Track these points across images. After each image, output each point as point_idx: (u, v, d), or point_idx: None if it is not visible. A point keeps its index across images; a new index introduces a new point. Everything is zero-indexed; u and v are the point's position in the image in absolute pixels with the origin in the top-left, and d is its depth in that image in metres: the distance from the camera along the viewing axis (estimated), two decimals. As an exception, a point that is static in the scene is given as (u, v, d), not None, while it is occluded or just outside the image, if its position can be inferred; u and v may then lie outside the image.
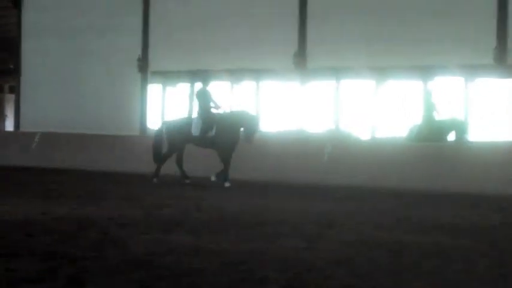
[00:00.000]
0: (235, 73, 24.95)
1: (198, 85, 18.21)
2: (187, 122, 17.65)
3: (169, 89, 28.41)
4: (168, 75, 26.94)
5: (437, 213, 11.97)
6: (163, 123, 18.42)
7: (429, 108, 19.41)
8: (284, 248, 8.06)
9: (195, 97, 17.92)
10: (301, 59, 21.50)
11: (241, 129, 16.85)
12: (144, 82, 25.12)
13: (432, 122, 19.26)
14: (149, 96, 25.59)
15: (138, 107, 25.11)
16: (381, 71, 22.19)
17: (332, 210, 12.07)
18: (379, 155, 17.86)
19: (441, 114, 19.43)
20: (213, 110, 17.36)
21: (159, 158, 17.69)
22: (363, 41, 20.68)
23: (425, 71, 21.62)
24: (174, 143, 17.50)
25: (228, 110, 18.03)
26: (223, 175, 16.94)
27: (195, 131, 17.28)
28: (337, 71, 22.61)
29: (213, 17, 23.29)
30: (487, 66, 19.88)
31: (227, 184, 16.73)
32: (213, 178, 17.07)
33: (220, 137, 16.98)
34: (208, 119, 17.19)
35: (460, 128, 18.96)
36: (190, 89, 26.83)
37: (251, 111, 18.11)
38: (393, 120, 22.56)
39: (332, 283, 6.34)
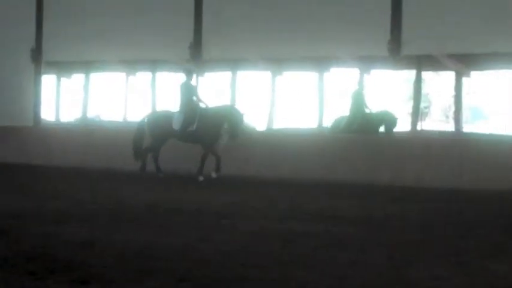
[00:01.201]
0: (130, 64, 24.64)
1: (182, 78, 17.55)
2: (169, 116, 17.15)
3: (64, 80, 27.91)
4: (63, 66, 26.41)
5: (337, 204, 12.05)
6: (146, 115, 17.81)
7: (358, 100, 19.52)
8: (179, 239, 7.98)
9: (178, 90, 17.31)
10: (196, 50, 21.35)
11: (225, 125, 16.51)
12: (38, 73, 24.48)
13: (362, 115, 19.33)
14: (43, 87, 24.97)
15: (31, 98, 24.46)
16: (277, 62, 22.29)
17: (235, 201, 12.05)
18: (301, 146, 17.81)
19: (370, 106, 19.57)
20: (196, 104, 16.85)
21: (139, 152, 17.21)
22: (260, 32, 20.67)
23: (321, 62, 21.84)
24: (155, 136, 17.12)
25: (211, 105, 17.42)
26: (198, 169, 16.59)
27: (176, 125, 16.85)
28: (233, 62, 22.60)
29: (108, 7, 22.86)
30: (381, 58, 20.20)
31: (201, 178, 16.37)
32: (213, 175, 16.69)
33: (202, 132, 16.58)
34: (190, 114, 16.71)
35: (390, 121, 19.05)
36: (85, 80, 26.39)
37: (236, 106, 17.57)
38: (290, 111, 22.72)
39: (225, 274, 6.30)
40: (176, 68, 23.30)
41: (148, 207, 10.88)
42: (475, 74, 22.33)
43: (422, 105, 22.67)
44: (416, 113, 21.24)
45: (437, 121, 21.94)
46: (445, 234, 8.85)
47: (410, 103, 22.73)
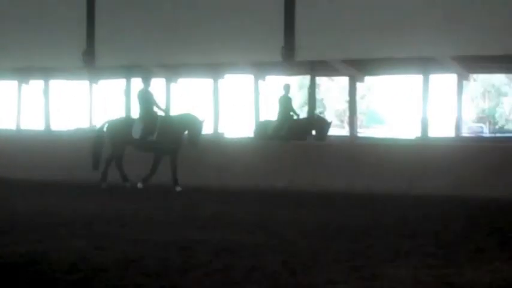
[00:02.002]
0: (22, 72, 24.01)
1: (138, 85, 16.82)
2: (129, 123, 16.38)
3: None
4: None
5: (234, 210, 12.00)
6: (105, 122, 16.91)
7: (286, 105, 19.33)
8: (73, 248, 7.78)
9: (136, 98, 16.51)
10: (89, 57, 20.98)
11: (185, 133, 15.89)
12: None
13: (291, 120, 19.19)
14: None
15: None
16: (173, 68, 22.10)
17: (132, 209, 11.91)
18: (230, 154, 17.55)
19: (297, 112, 19.51)
20: (156, 112, 16.15)
21: (97, 161, 16.31)
22: (154, 38, 20.49)
23: (215, 68, 21.76)
24: (116, 144, 16.27)
25: (170, 113, 16.85)
26: (174, 179, 15.78)
27: (136, 133, 16.04)
28: (127, 69, 22.27)
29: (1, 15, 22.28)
30: (275, 63, 20.29)
31: (178, 188, 15.62)
32: (139, 185, 15.88)
33: (162, 142, 15.84)
34: (150, 122, 15.96)
35: (322, 125, 18.92)
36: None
37: (195, 113, 16.54)
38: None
39: (122, 283, 6.15)
40: (69, 75, 22.85)
41: (49, 216, 10.58)
42: (369, 79, 22.68)
43: (317, 110, 22.87)
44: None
45: (332, 126, 22.12)
46: (339, 239, 8.88)
47: (305, 108, 22.92)
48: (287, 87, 19.52)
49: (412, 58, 18.81)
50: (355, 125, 21.05)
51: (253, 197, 14.47)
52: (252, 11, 19.57)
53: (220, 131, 21.64)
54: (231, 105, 21.66)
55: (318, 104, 22.94)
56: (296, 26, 19.31)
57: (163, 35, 20.36)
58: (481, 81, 25.52)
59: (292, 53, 19.27)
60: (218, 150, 17.47)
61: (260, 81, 21.55)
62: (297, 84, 32.23)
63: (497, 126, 27.17)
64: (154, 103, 16.28)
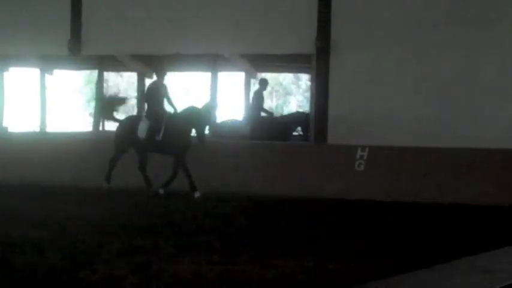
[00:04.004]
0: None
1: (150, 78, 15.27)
2: (134, 122, 14.87)
3: None
4: None
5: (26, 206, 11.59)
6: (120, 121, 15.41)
7: (259, 101, 18.66)
8: None
9: (146, 92, 15.13)
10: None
11: (192, 130, 14.54)
12: None
13: (270, 118, 18.78)
14: None
15: None
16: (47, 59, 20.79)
17: None
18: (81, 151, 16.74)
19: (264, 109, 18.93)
20: (163, 109, 14.69)
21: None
22: (27, 28, 19.25)
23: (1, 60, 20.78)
24: (117, 145, 14.88)
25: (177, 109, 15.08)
26: (190, 186, 14.39)
27: (142, 133, 14.58)
28: (3, 59, 20.71)
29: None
30: (63, 57, 19.75)
31: (197, 194, 14.25)
32: (161, 191, 14.54)
33: (169, 142, 14.42)
34: (156, 120, 14.52)
35: (307, 122, 18.11)
36: None
37: (200, 106, 15.00)
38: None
39: None
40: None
41: None
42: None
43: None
44: (98, 113, 20.96)
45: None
46: (124, 235, 8.72)
47: (92, 104, 22.51)
48: (263, 82, 19.07)
49: (201, 55, 18.92)
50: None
51: (42, 193, 13.99)
52: (40, 2, 18.95)
53: (4, 125, 20.73)
54: (16, 99, 20.74)
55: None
56: (83, 19, 18.91)
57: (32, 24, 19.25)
58: (268, 80, 26.15)
59: (79, 46, 18.84)
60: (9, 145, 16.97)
61: (47, 75, 20.86)
62: (84, 79, 31.71)
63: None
64: (167, 99, 14.89)
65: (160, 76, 15.09)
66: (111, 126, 18.04)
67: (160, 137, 14.53)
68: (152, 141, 14.59)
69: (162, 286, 5.90)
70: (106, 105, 17.02)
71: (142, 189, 14.61)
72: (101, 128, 20.31)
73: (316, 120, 17.36)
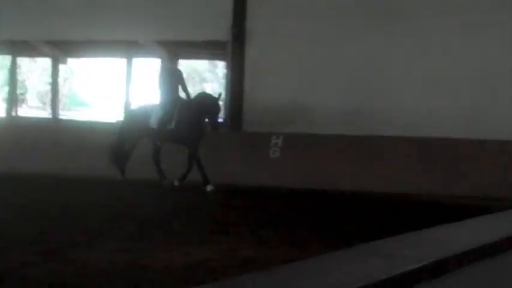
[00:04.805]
0: None
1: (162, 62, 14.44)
2: (147, 112, 14.07)
3: None
4: None
5: None
6: (127, 112, 14.83)
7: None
8: None
9: (158, 78, 14.22)
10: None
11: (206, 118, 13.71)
12: None
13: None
14: None
15: None
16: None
17: None
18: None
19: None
20: (176, 96, 13.92)
21: (121, 157, 14.38)
22: None
23: None
24: (130, 135, 14.25)
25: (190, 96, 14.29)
26: (203, 178, 13.71)
27: (154, 123, 13.83)
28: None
29: None
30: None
31: (209, 188, 13.56)
32: (176, 183, 13.92)
33: (182, 130, 13.69)
34: (169, 108, 13.75)
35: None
36: None
37: (211, 92, 14.37)
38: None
39: None
40: None
41: None
42: (72, 61, 22.26)
43: (18, 91, 22.08)
44: (12, 100, 20.64)
45: (34, 108, 21.54)
46: (36, 221, 8.62)
47: (5, 89, 22.07)
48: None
49: (116, 41, 18.75)
50: (57, 108, 20.64)
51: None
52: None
53: None
54: None
55: (19, 85, 22.18)
56: (-1, 4, 18.56)
57: None
58: (185, 67, 26.04)
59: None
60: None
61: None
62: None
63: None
64: (182, 85, 14.15)
65: (173, 61, 14.64)
66: (23, 112, 17.79)
67: (173, 126, 13.93)
68: (165, 131, 13.98)
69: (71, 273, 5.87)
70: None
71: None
72: (14, 114, 19.98)
73: (231, 107, 17.41)
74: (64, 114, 21.85)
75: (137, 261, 6.41)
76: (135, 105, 16.25)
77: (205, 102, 13.76)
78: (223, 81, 18.76)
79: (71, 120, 20.86)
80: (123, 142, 14.66)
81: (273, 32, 17.19)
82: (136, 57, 19.73)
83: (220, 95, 14.02)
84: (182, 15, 17.80)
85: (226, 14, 17.43)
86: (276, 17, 17.20)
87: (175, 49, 19.63)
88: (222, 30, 17.45)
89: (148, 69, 21.72)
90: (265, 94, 16.60)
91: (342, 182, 15.11)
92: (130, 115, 15.05)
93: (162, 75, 14.35)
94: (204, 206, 11.39)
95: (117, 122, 15.68)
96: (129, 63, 19.35)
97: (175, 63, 14.58)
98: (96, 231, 8.02)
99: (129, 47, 19.11)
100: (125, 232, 8.09)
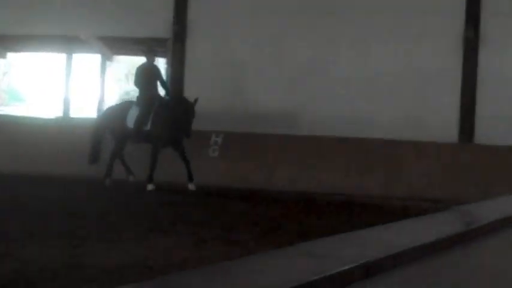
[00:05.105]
0: None
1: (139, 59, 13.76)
2: (125, 109, 13.47)
3: None
4: None
5: None
6: (106, 109, 14.05)
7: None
8: None
9: (135, 75, 13.69)
10: None
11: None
12: None
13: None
14: None
15: None
16: None
17: None
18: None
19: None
20: (154, 95, 13.42)
21: (96, 154, 13.62)
22: None
23: None
24: (115, 137, 13.60)
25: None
26: (148, 176, 13.31)
27: (130, 122, 13.20)
28: None
29: None
30: None
31: (150, 187, 13.14)
32: (191, 187, 13.53)
33: (156, 134, 13.20)
34: (145, 108, 13.17)
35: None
36: None
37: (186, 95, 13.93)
38: None
39: None
40: None
41: None
42: (11, 56, 21.94)
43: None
44: None
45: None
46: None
47: None
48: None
49: (56, 36, 18.50)
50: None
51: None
52: None
53: None
54: None
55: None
56: None
57: None
58: (125, 63, 25.80)
59: None
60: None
61: None
62: None
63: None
64: (160, 82, 13.72)
65: (150, 57, 14.06)
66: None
67: (148, 127, 13.51)
68: (140, 132, 13.57)
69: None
70: None
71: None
72: None
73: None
74: (2, 110, 21.54)
75: (73, 259, 6.32)
76: (112, 103, 15.95)
77: (182, 107, 13.49)
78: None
79: (10, 116, 20.54)
80: (99, 141, 14.17)
81: (214, 29, 17.15)
82: (77, 52, 19.49)
83: (196, 100, 13.61)
84: (123, 11, 17.65)
85: (167, 11, 17.33)
86: (217, 14, 17.16)
87: (116, 45, 19.46)
88: (163, 27, 17.34)
89: (88, 64, 21.53)
90: (206, 92, 16.49)
91: (281, 182, 15.13)
92: (107, 113, 14.54)
93: (138, 73, 14.02)
94: (144, 205, 11.31)
95: (94, 120, 15.28)
96: (69, 59, 19.11)
97: (152, 59, 14.11)
98: (35, 229, 7.91)
99: (69, 42, 18.88)
100: (62, 228, 7.99)
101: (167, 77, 17.87)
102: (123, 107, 14.08)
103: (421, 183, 15.03)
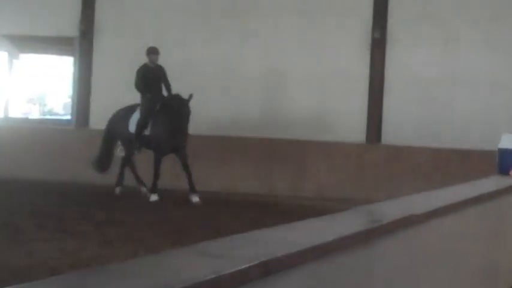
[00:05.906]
0: None
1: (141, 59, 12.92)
2: (128, 114, 12.76)
3: None
4: None
5: None
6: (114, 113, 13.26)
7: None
8: None
9: (137, 76, 12.77)
10: None
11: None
12: None
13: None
14: None
15: None
16: None
17: None
18: None
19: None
20: (157, 96, 12.69)
21: (106, 164, 12.91)
22: None
23: None
24: (123, 143, 12.88)
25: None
26: (152, 186, 12.61)
27: (132, 127, 12.44)
28: None
29: None
30: None
31: (154, 198, 12.32)
32: (194, 199, 12.66)
33: (156, 137, 12.48)
34: (146, 111, 12.44)
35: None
36: None
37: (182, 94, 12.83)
38: None
39: None
40: None
41: None
42: None
43: None
44: None
45: None
46: None
47: None
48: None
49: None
50: None
51: None
52: None
53: None
54: None
55: None
56: None
57: None
58: (31, 62, 25.42)
59: None
60: None
61: None
62: None
63: (47, 109, 27.32)
64: (165, 83, 12.89)
65: (153, 56, 13.40)
66: None
67: (148, 132, 12.92)
68: (140, 137, 12.90)
69: None
70: None
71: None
72: None
73: (78, 105, 17.12)
74: None
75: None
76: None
77: (176, 105, 12.76)
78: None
79: None
80: (109, 147, 13.62)
81: (121, 29, 16.97)
82: (-20, 51, 19.04)
83: (191, 96, 12.86)
84: (29, 9, 17.31)
85: (74, 10, 17.06)
86: (124, 14, 16.99)
87: (22, 44, 19.08)
88: (70, 26, 17.08)
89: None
90: (113, 92, 16.28)
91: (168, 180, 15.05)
92: (111, 118, 13.83)
93: (141, 75, 13.28)
94: (52, 206, 11.13)
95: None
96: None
97: (156, 59, 13.51)
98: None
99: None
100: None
101: (74, 77, 17.61)
102: (127, 111, 13.48)
103: (329, 184, 15.21)
